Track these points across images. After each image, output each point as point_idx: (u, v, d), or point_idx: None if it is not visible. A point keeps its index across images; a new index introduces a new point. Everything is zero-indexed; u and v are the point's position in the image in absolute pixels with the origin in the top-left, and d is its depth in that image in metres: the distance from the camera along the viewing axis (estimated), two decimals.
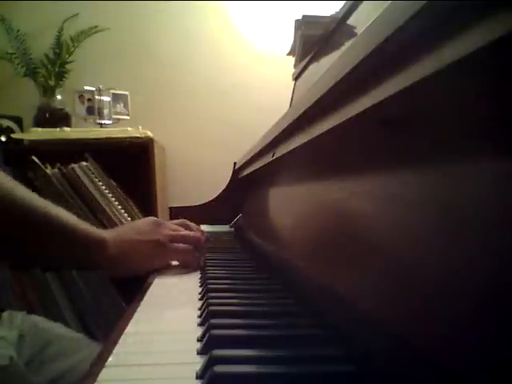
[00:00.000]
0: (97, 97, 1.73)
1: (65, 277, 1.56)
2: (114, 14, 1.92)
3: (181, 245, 0.74)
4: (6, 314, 0.74)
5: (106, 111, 1.73)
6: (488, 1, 0.17)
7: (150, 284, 0.63)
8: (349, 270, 0.36)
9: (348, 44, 0.38)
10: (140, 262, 0.70)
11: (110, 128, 1.72)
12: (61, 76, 1.79)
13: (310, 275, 0.46)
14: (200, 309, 0.47)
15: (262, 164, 0.80)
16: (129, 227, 0.75)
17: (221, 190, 1.35)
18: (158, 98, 1.96)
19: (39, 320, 0.78)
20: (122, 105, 1.78)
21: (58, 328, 0.78)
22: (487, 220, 0.20)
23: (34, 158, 1.51)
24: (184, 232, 0.77)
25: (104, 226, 1.36)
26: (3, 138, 1.63)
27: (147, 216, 1.50)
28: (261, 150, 0.78)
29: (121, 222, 1.47)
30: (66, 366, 0.68)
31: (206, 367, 0.31)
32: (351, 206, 0.38)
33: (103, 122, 1.73)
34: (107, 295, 1.56)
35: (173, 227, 0.77)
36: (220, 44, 1.96)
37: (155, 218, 0.76)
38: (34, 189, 0.75)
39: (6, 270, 1.50)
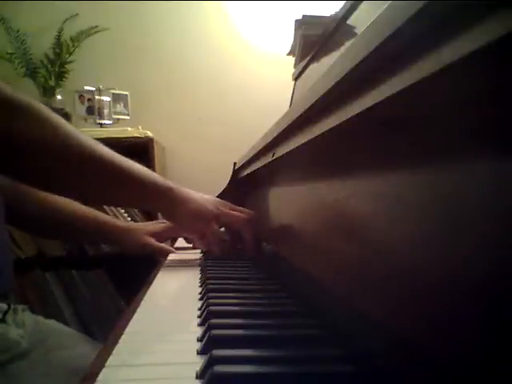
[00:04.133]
0: (97, 97, 1.73)
1: (65, 277, 1.56)
2: (114, 14, 1.92)
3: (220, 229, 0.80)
4: (5, 309, 0.75)
5: (105, 111, 1.73)
6: (488, 1, 0.17)
7: (149, 284, 0.63)
8: (349, 270, 0.36)
9: (348, 44, 0.38)
10: (189, 221, 0.73)
11: (109, 128, 1.72)
12: (61, 76, 1.79)
13: (310, 275, 0.46)
14: (200, 309, 0.47)
15: (261, 164, 0.80)
16: (195, 193, 0.77)
17: (221, 190, 1.35)
18: (157, 98, 1.96)
19: (39, 318, 0.78)
20: (121, 105, 1.78)
21: (57, 324, 0.79)
22: (487, 220, 0.20)
23: None
24: (234, 215, 0.80)
25: None
26: None
27: (147, 216, 1.50)
28: (261, 150, 0.78)
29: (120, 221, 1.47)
30: (66, 357, 0.68)
31: (206, 367, 0.31)
32: (351, 206, 0.38)
33: (103, 121, 1.73)
34: (107, 295, 1.56)
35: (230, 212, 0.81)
36: (220, 44, 1.96)
37: (221, 200, 0.82)
38: None
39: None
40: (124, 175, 0.66)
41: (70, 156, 0.59)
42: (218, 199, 0.82)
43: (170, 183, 0.72)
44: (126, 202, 0.78)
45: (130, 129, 1.67)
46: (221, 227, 0.83)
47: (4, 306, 0.71)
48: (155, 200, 0.70)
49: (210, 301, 0.47)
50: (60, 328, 0.78)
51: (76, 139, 0.59)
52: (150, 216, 1.52)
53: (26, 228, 0.98)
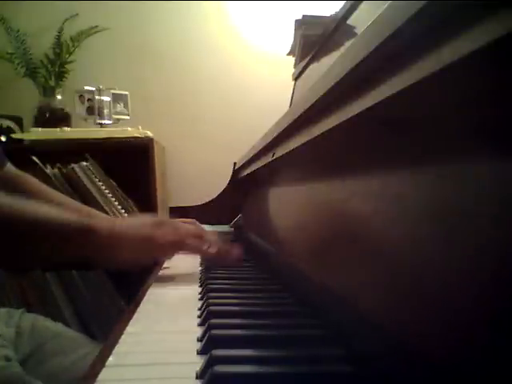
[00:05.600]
0: (97, 97, 1.73)
1: (65, 277, 1.56)
2: (114, 14, 1.92)
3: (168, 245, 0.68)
4: (3, 312, 0.75)
5: (106, 111, 1.73)
6: (488, 1, 0.17)
7: (149, 284, 0.63)
8: (349, 270, 0.36)
9: (348, 44, 0.38)
10: (126, 256, 0.62)
11: (110, 128, 1.72)
12: (61, 76, 1.79)
13: (310, 275, 0.46)
14: (200, 309, 0.47)
15: (262, 164, 0.80)
16: (128, 220, 0.71)
17: (221, 190, 1.35)
18: (158, 97, 1.96)
19: (38, 318, 0.78)
20: (122, 105, 1.78)
21: (56, 326, 0.78)
22: (487, 220, 0.20)
23: (34, 157, 1.51)
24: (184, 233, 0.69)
25: None
26: (3, 138, 1.63)
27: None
28: (261, 150, 0.78)
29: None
30: (64, 363, 0.68)
31: (206, 367, 0.31)
32: (351, 205, 0.38)
33: (103, 121, 1.73)
34: (107, 295, 1.56)
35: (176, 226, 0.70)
36: (220, 44, 1.96)
37: (159, 218, 0.73)
38: None
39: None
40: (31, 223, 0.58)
41: None
42: (154, 220, 0.69)
43: (92, 221, 0.60)
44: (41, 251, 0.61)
45: (130, 129, 1.67)
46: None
47: None
48: (70, 241, 0.60)
49: (210, 301, 0.47)
50: (59, 331, 0.77)
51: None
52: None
53: None
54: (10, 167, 0.80)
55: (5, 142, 1.61)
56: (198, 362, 0.33)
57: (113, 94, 1.76)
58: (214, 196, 1.34)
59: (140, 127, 1.69)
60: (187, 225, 0.74)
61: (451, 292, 0.22)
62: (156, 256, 0.70)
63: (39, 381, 0.61)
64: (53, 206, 0.62)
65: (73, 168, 1.53)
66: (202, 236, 0.72)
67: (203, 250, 0.70)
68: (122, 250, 0.61)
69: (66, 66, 1.80)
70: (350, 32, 0.70)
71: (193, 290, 0.57)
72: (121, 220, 0.66)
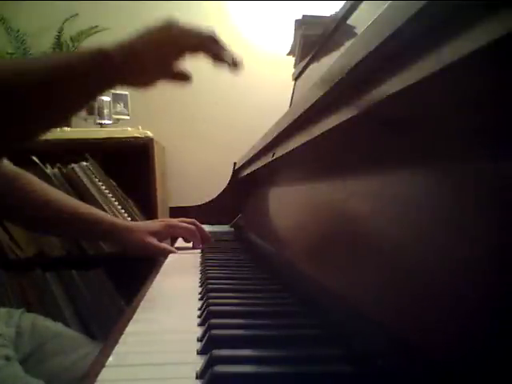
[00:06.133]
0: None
1: (65, 277, 1.56)
2: (114, 14, 1.92)
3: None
4: (3, 312, 0.75)
5: (106, 111, 1.73)
6: (488, 1, 0.17)
7: (149, 284, 0.63)
8: (349, 270, 0.36)
9: (348, 44, 0.38)
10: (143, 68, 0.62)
11: (110, 128, 1.72)
12: None
13: (310, 275, 0.46)
14: (200, 309, 0.47)
15: (262, 164, 0.80)
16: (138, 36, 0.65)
17: (221, 190, 1.35)
18: (158, 97, 1.96)
19: (38, 318, 0.78)
20: (122, 105, 1.78)
21: (56, 326, 0.78)
22: (487, 219, 0.20)
23: (34, 157, 1.51)
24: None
25: None
26: None
27: (147, 216, 1.50)
28: (261, 150, 0.78)
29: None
30: (65, 363, 0.68)
31: (206, 367, 0.31)
32: (351, 205, 0.38)
33: (103, 121, 1.73)
34: (107, 295, 1.56)
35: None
36: None
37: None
38: None
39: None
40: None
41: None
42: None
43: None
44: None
45: (130, 129, 1.67)
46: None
47: None
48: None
49: (210, 301, 0.47)
50: (59, 330, 0.77)
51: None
52: (150, 215, 1.52)
53: (25, 225, 0.98)
54: (6, 163, 0.80)
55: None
56: (198, 362, 0.33)
57: (113, 93, 1.76)
58: (214, 196, 1.34)
59: (140, 127, 1.69)
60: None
61: (451, 291, 0.22)
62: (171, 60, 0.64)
63: (39, 380, 0.61)
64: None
65: (73, 168, 1.53)
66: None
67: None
68: (135, 65, 0.60)
69: None
70: (350, 32, 0.70)
71: (193, 290, 0.57)
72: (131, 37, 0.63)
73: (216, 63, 0.67)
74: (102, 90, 0.62)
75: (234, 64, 0.68)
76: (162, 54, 0.61)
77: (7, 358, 0.62)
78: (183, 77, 0.67)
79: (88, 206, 0.91)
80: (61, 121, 0.71)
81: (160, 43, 0.61)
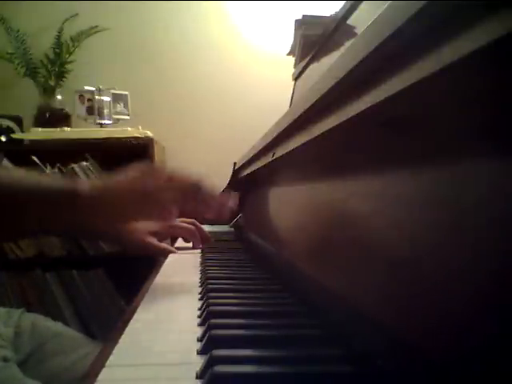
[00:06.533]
0: (97, 97, 1.73)
1: (65, 277, 1.56)
2: (114, 14, 1.92)
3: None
4: (3, 312, 0.75)
5: (106, 111, 1.73)
6: (488, 1, 0.17)
7: (149, 284, 0.63)
8: (349, 270, 0.36)
9: (348, 44, 0.38)
10: (120, 213, 0.57)
11: (110, 128, 1.72)
12: (61, 76, 1.79)
13: (310, 275, 0.46)
14: (200, 309, 0.47)
15: (262, 164, 0.80)
16: (115, 177, 0.58)
17: (221, 190, 1.35)
18: (158, 98, 1.96)
19: (37, 318, 0.78)
20: (122, 105, 1.78)
21: (56, 326, 0.78)
22: (487, 219, 0.20)
23: (34, 157, 1.51)
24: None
25: None
26: (3, 138, 1.63)
27: None
28: (261, 150, 0.78)
29: None
30: (64, 363, 0.68)
31: (206, 367, 0.31)
32: (351, 205, 0.38)
33: (103, 121, 1.73)
34: (107, 295, 1.56)
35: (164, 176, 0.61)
36: (220, 44, 1.96)
37: (147, 165, 0.62)
38: None
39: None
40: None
41: None
42: (142, 168, 0.61)
43: (75, 185, 0.54)
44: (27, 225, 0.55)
45: (130, 129, 1.67)
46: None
47: None
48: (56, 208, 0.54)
49: (210, 301, 0.47)
50: (59, 330, 0.77)
51: None
52: None
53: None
54: (6, 164, 0.80)
55: (5, 142, 1.61)
56: (198, 362, 0.33)
57: (113, 94, 1.76)
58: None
59: (140, 127, 1.69)
60: (183, 173, 0.62)
61: (451, 290, 0.22)
62: (153, 209, 0.58)
63: (38, 381, 0.61)
64: (33, 175, 0.56)
65: (73, 168, 1.53)
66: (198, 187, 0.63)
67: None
68: (110, 209, 0.55)
69: (65, 65, 1.80)
70: (350, 32, 0.70)
71: (193, 290, 0.57)
72: (108, 178, 0.56)
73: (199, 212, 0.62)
74: (59, 226, 0.57)
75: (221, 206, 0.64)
76: (139, 200, 0.56)
77: (5, 360, 0.62)
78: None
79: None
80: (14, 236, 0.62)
81: (140, 191, 0.56)
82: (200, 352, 0.35)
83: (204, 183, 0.62)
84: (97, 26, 1.84)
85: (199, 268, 0.73)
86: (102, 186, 0.55)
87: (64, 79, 1.81)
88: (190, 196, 0.60)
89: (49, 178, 0.58)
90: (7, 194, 0.51)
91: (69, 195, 0.52)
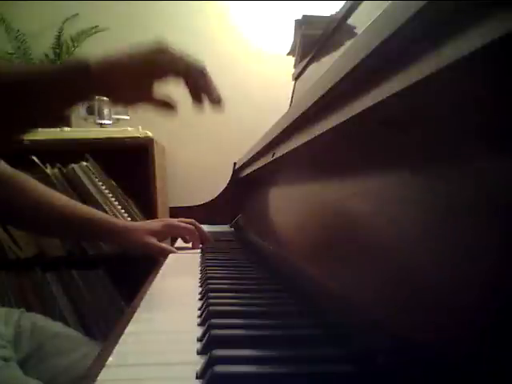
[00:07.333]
0: (97, 97, 1.72)
1: (65, 277, 1.56)
2: (114, 14, 1.92)
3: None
4: (2, 312, 0.74)
5: (105, 111, 1.73)
6: (488, 1, 0.17)
7: (149, 284, 0.63)
8: (349, 270, 0.36)
9: (348, 44, 0.38)
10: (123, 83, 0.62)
11: (110, 128, 1.72)
12: None
13: (310, 275, 0.46)
14: (200, 309, 0.47)
15: (261, 164, 0.80)
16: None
17: (221, 190, 1.35)
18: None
19: (37, 318, 0.77)
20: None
21: (56, 326, 0.78)
22: (487, 219, 0.20)
23: (34, 158, 1.51)
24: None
25: None
26: None
27: (147, 216, 1.50)
28: (261, 150, 0.78)
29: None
30: (65, 363, 0.68)
31: (206, 367, 0.31)
32: (351, 205, 0.38)
33: (103, 121, 1.73)
34: (107, 295, 1.56)
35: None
36: (220, 44, 1.96)
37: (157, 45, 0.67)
38: None
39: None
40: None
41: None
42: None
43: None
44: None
45: (130, 129, 1.66)
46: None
47: None
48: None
49: (210, 301, 0.47)
50: (59, 331, 0.77)
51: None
52: (151, 217, 1.52)
53: (26, 227, 0.98)
54: (4, 165, 0.80)
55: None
56: (198, 362, 0.33)
57: None
58: (214, 196, 1.34)
59: (140, 127, 1.69)
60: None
61: (451, 290, 0.22)
62: (155, 78, 0.63)
63: (38, 381, 0.61)
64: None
65: (73, 168, 1.53)
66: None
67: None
68: (118, 78, 0.60)
69: None
70: (350, 32, 0.70)
71: (193, 290, 0.57)
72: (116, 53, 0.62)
73: (195, 100, 0.66)
74: (76, 98, 0.62)
75: (217, 101, 0.66)
76: (144, 73, 0.61)
77: (5, 359, 0.62)
78: (167, 105, 0.67)
79: (86, 206, 0.91)
80: (38, 123, 0.68)
81: (148, 63, 0.61)
82: (200, 352, 0.35)
83: (205, 69, 0.65)
84: (97, 26, 1.84)
85: (199, 268, 0.73)
86: (110, 60, 0.60)
87: None
88: (193, 77, 0.64)
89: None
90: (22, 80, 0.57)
91: (82, 70, 0.58)
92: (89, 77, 0.57)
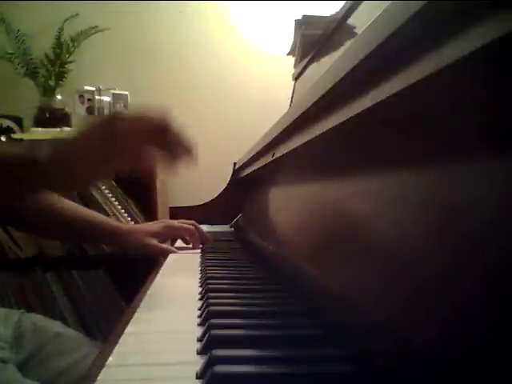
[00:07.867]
0: (97, 97, 1.73)
1: (65, 277, 1.56)
2: (114, 14, 1.92)
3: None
4: (1, 312, 0.74)
5: (106, 111, 1.73)
6: (488, 1, 0.17)
7: (149, 284, 0.63)
8: (349, 270, 0.36)
9: (348, 44, 0.38)
10: (88, 168, 0.54)
11: None
12: (61, 76, 1.79)
13: (310, 275, 0.46)
14: (200, 309, 0.47)
15: (262, 164, 0.80)
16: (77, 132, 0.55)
17: (221, 190, 1.35)
18: (158, 97, 1.96)
19: (38, 318, 0.77)
20: (121, 105, 1.78)
21: (56, 326, 0.78)
22: (487, 220, 0.20)
23: None
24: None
25: None
26: (3, 138, 1.63)
27: (147, 216, 1.50)
28: (261, 150, 0.78)
29: (121, 222, 1.47)
30: (65, 364, 0.68)
31: (206, 367, 0.31)
32: (351, 205, 0.38)
33: None
34: (107, 295, 1.56)
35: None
36: (220, 44, 1.96)
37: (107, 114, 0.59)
38: None
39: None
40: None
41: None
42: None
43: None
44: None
45: None
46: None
47: None
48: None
49: (210, 301, 0.47)
50: (60, 331, 0.77)
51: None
52: (151, 217, 1.52)
53: (27, 229, 0.99)
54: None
55: (5, 142, 1.61)
56: (198, 362, 0.33)
57: (113, 94, 1.76)
58: (214, 196, 1.34)
59: None
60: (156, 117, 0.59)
61: (451, 290, 0.22)
62: (121, 156, 0.55)
63: (38, 382, 0.61)
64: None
65: None
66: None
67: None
68: (76, 166, 0.52)
69: (65, 65, 1.79)
70: (350, 32, 0.70)
71: (193, 290, 0.57)
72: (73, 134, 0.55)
73: (168, 158, 0.57)
74: (25, 190, 0.56)
75: (188, 152, 0.59)
76: (104, 150, 0.53)
77: (3, 361, 0.62)
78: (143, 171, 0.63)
79: (87, 209, 0.92)
80: None
81: (106, 137, 0.53)
82: (200, 352, 0.35)
83: (170, 121, 0.58)
84: (97, 26, 1.83)
85: (199, 268, 0.73)
86: (63, 146, 0.53)
87: (64, 79, 1.81)
88: (157, 136, 0.57)
89: (10, 148, 0.57)
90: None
91: (29, 164, 0.51)
92: (37, 171, 0.51)
